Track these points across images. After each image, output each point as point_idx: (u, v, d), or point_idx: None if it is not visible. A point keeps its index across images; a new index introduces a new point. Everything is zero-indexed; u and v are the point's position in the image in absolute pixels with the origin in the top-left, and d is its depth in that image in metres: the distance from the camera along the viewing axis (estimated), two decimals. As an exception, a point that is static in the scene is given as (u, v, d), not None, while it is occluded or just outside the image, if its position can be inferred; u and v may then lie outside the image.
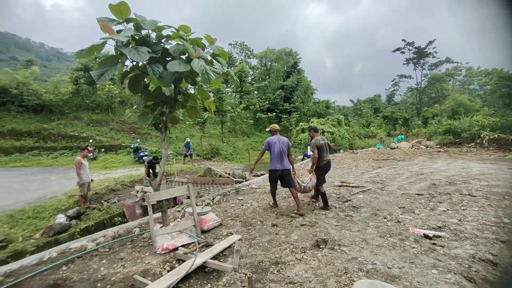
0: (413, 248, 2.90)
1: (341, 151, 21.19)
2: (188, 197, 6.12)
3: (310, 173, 4.68)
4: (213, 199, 5.62)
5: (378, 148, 19.35)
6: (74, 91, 20.54)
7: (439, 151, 14.31)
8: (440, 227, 3.49)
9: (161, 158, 3.93)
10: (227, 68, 3.72)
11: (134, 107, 3.43)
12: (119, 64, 3.06)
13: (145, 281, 2.42)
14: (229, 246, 3.17)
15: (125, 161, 14.82)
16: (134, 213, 6.83)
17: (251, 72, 39.65)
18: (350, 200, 5.02)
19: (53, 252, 3.39)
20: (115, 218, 6.58)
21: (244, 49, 40.66)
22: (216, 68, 3.35)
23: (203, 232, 3.72)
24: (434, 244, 2.97)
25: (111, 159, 14.92)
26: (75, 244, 3.62)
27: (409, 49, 41.54)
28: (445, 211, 4.14)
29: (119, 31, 3.01)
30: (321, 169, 4.65)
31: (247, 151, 22.33)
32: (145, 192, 6.74)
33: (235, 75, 29.78)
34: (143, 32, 3.23)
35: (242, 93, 34.12)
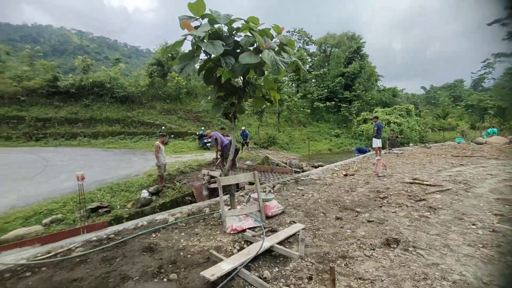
0: (515, 263, 2.44)
1: (410, 144, 18.87)
2: (251, 183, 6.47)
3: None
4: (274, 187, 5.78)
5: (458, 143, 16.49)
6: (149, 83, 23.50)
7: (552, 150, 11.38)
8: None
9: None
10: (294, 58, 3.67)
11: (208, 98, 3.71)
12: (197, 58, 3.34)
13: (220, 256, 2.70)
14: (294, 234, 3.24)
15: (191, 146, 16.37)
16: (201, 194, 7.56)
17: (309, 59, 38.00)
18: (424, 200, 4.50)
19: (144, 221, 4.06)
20: (186, 197, 7.43)
21: (302, 36, 38.93)
22: (284, 58, 3.34)
23: (267, 217, 3.89)
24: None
25: (179, 144, 16.69)
26: (159, 217, 4.24)
27: (513, 20, 33.19)
28: None
29: (196, 27, 3.26)
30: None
31: (303, 141, 21.95)
32: (211, 176, 7.36)
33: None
34: (216, 26, 3.42)
35: (299, 82, 33.15)
